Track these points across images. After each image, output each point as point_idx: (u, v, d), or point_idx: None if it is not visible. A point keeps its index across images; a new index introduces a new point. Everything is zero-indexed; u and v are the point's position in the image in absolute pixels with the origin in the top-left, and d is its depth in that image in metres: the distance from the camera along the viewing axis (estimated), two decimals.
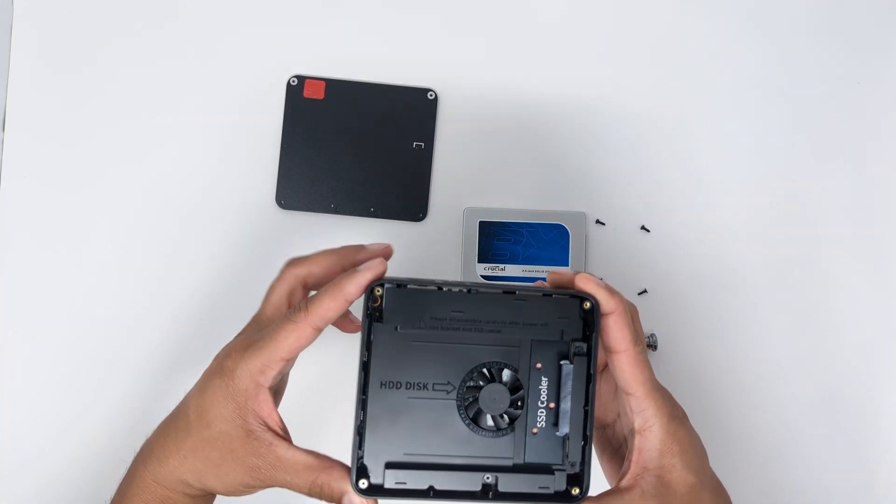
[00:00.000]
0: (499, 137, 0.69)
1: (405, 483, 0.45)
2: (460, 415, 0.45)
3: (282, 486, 0.48)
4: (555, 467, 0.46)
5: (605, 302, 0.47)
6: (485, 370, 0.46)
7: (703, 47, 0.70)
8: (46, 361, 0.66)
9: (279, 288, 0.51)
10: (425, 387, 0.45)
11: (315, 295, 0.47)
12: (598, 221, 0.68)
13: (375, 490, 0.45)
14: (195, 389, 0.50)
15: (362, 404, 0.45)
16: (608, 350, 0.48)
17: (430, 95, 0.68)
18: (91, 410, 0.66)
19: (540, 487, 0.46)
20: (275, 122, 0.68)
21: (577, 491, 0.46)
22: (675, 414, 0.49)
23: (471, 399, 0.46)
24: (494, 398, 0.45)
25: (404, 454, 0.45)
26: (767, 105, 0.70)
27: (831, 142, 0.70)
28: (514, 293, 0.46)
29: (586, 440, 0.46)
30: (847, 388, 0.69)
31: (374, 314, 0.45)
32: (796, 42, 0.70)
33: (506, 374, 0.46)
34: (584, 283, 0.47)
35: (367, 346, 0.45)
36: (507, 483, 0.46)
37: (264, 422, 0.48)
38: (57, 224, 0.67)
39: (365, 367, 0.45)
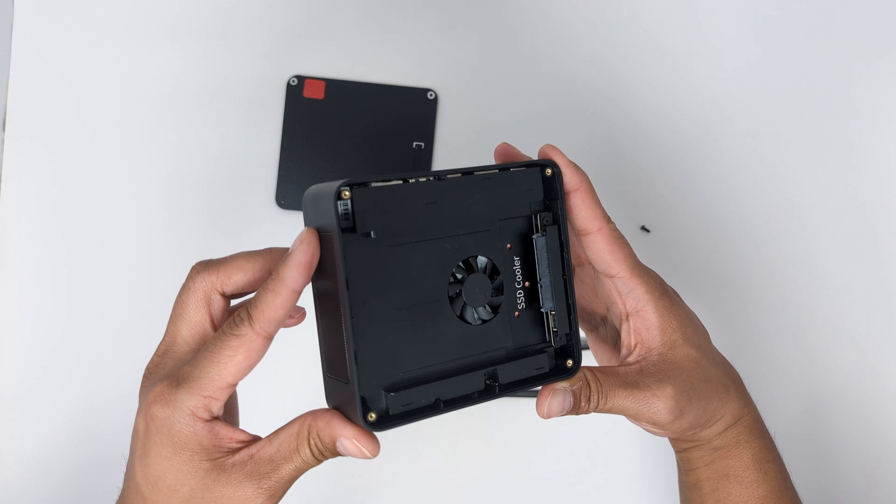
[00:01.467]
0: (498, 137, 0.69)
1: (411, 403, 0.40)
2: (450, 313, 0.42)
3: (296, 474, 0.41)
4: (543, 346, 0.45)
5: (570, 176, 0.43)
6: (461, 263, 0.43)
7: (702, 47, 0.70)
8: (46, 359, 0.66)
9: (191, 302, 0.43)
10: (409, 293, 0.41)
11: (254, 297, 0.40)
12: None
13: (383, 420, 0.40)
14: (135, 460, 0.41)
15: (353, 328, 0.39)
16: (579, 233, 0.45)
17: (430, 95, 0.68)
18: (91, 409, 0.66)
19: (537, 369, 0.44)
20: (275, 122, 0.68)
21: (571, 362, 0.44)
22: (667, 290, 0.46)
23: (455, 295, 0.42)
24: (476, 289, 0.42)
25: (401, 373, 0.41)
26: (766, 105, 0.70)
27: (830, 141, 0.70)
28: (473, 173, 0.42)
29: (570, 309, 0.44)
30: (847, 388, 0.69)
31: (344, 223, 0.39)
32: (795, 41, 0.70)
33: (480, 262, 0.43)
34: (551, 152, 0.43)
35: (345, 263, 0.39)
36: (507, 373, 0.43)
37: (230, 449, 0.41)
38: (57, 224, 0.67)
39: (348, 286, 0.39)
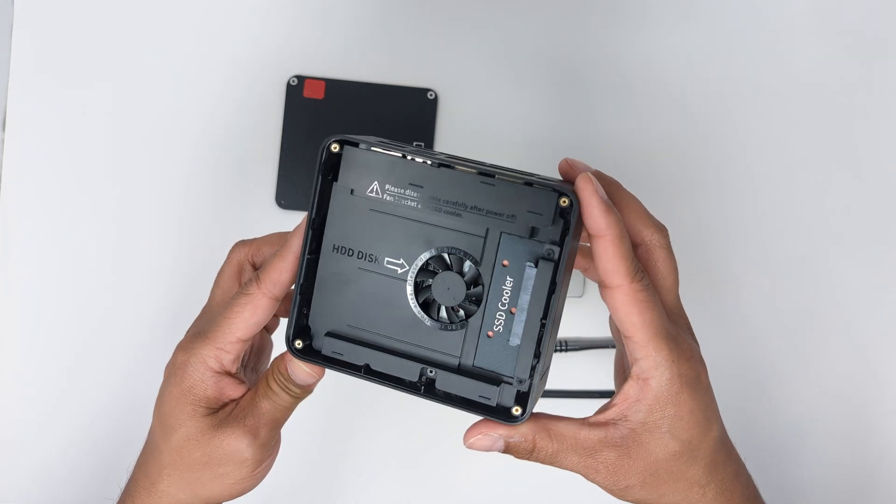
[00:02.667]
0: (499, 138, 0.69)
1: (341, 354, 0.42)
2: (410, 298, 0.41)
3: (274, 411, 0.44)
4: (504, 379, 0.41)
5: (597, 218, 0.38)
6: (445, 255, 0.41)
7: (702, 48, 0.70)
8: (46, 359, 0.66)
9: (227, 270, 0.48)
10: (377, 260, 0.41)
11: (265, 262, 0.44)
12: None
13: (311, 352, 0.43)
14: (155, 402, 0.46)
15: (309, 265, 0.42)
16: (600, 284, 0.40)
17: (430, 95, 0.68)
18: (93, 410, 0.66)
19: (480, 396, 0.41)
20: (275, 122, 0.68)
21: (520, 411, 0.41)
22: (685, 374, 0.40)
23: (424, 284, 0.41)
24: (448, 288, 0.40)
25: (347, 326, 0.42)
26: (766, 105, 0.70)
27: (830, 141, 0.70)
28: (486, 176, 0.40)
29: (539, 357, 0.40)
30: (847, 389, 0.69)
31: (327, 169, 0.41)
32: (794, 41, 0.70)
33: (467, 266, 0.41)
34: (582, 183, 0.38)
35: (315, 203, 0.41)
36: (447, 382, 0.41)
37: (223, 404, 0.45)
38: (57, 224, 0.67)
39: (313, 225, 0.41)
